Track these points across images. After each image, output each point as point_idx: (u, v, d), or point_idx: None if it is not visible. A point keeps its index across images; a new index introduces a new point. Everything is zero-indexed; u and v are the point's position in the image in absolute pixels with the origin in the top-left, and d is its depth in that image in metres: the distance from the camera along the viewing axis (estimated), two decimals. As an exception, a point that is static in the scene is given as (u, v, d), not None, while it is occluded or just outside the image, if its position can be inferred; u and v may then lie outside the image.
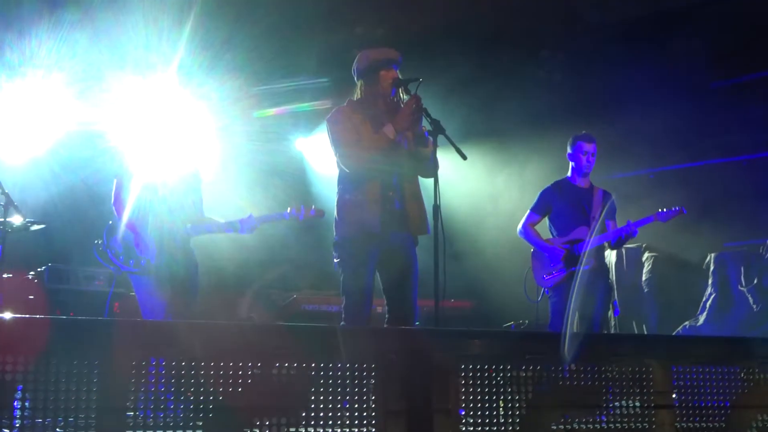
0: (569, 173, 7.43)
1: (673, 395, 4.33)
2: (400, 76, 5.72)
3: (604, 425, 4.20)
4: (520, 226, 7.48)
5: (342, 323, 5.64)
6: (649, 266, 10.05)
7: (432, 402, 3.84)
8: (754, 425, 4.44)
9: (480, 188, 10.68)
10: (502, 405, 4.02)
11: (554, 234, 7.43)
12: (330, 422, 3.68)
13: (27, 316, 3.59)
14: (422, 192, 5.86)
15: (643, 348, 4.52)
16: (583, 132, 7.39)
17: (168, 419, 3.49)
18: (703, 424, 4.35)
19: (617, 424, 4.22)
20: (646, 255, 10.15)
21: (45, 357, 3.34)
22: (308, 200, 10.13)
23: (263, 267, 10.07)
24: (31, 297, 7.68)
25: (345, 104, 5.85)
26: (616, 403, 4.28)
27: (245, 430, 3.58)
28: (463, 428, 3.90)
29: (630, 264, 10.19)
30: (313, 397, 3.68)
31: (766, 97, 9.69)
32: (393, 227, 5.65)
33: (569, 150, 7.38)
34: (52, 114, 8.82)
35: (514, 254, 8.71)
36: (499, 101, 10.28)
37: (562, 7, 9.64)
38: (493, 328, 8.79)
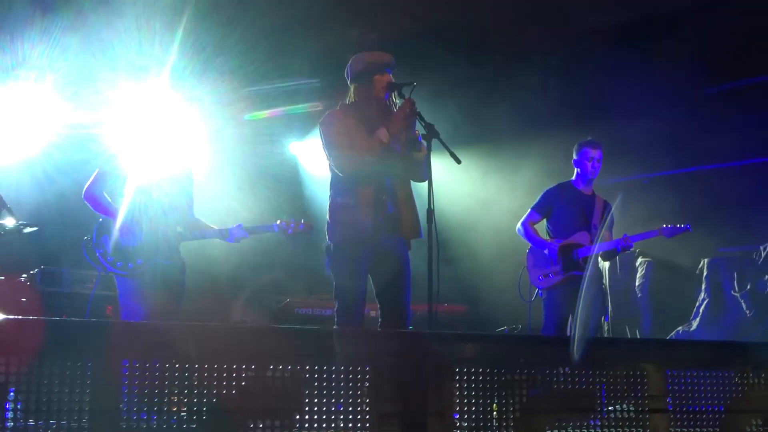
0: (574, 177, 7.43)
1: (668, 399, 4.33)
2: (393, 80, 5.71)
3: (598, 429, 4.20)
4: (519, 224, 7.46)
5: (335, 327, 5.63)
6: (643, 271, 10.05)
7: (426, 405, 3.84)
8: (749, 429, 4.44)
9: (473, 192, 10.67)
10: (496, 408, 4.02)
11: (551, 236, 7.41)
12: (324, 425, 3.68)
13: (19, 317, 3.57)
14: (415, 196, 5.85)
15: (638, 352, 4.53)
16: (589, 138, 7.40)
17: (161, 422, 3.48)
18: (698, 429, 4.36)
19: (611, 429, 4.22)
20: (639, 260, 10.16)
21: (37, 359, 3.33)
22: (301, 203, 10.16)
23: (256, 270, 10.05)
24: (24, 300, 7.65)
25: (338, 107, 5.84)
26: (611, 407, 4.29)
27: (239, 432, 3.58)
28: (457, 431, 3.90)
29: (623, 269, 10.19)
30: (307, 400, 3.68)
31: (759, 102, 9.70)
32: (386, 231, 5.64)
33: (575, 156, 7.38)
34: (45, 116, 8.79)
35: (507, 258, 8.72)
36: (492, 106, 10.29)
37: (554, 12, 9.63)
38: (488, 332, 8.78)
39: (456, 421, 3.91)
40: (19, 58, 8.49)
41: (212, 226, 6.44)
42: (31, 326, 3.49)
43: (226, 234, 6.33)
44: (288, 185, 10.93)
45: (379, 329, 5.69)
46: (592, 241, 7.23)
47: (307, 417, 3.67)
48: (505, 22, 9.82)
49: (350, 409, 3.74)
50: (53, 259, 8.64)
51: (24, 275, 8.03)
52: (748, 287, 9.13)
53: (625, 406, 4.30)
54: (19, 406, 3.29)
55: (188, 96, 9.31)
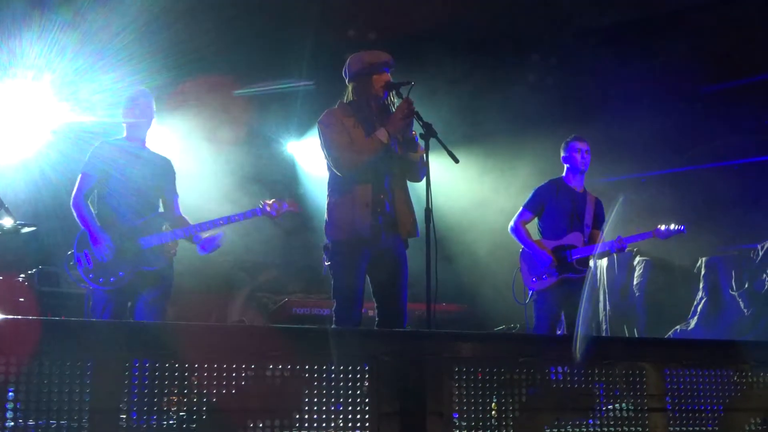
0: (564, 173, 7.43)
1: (666, 399, 4.34)
2: (392, 79, 5.71)
3: (597, 429, 4.20)
4: (512, 222, 7.44)
5: (333, 326, 5.62)
6: (640, 270, 10.06)
7: (425, 404, 3.84)
8: (747, 428, 4.45)
9: (471, 191, 10.68)
10: (495, 408, 4.02)
11: (542, 233, 7.40)
12: (323, 424, 3.68)
13: (18, 317, 3.57)
14: (413, 195, 5.85)
15: (636, 351, 4.53)
16: (574, 135, 7.41)
17: (161, 422, 3.48)
18: (696, 428, 4.35)
19: (610, 428, 4.22)
20: (637, 259, 10.17)
21: (37, 359, 3.33)
22: (300, 202, 10.15)
23: (254, 270, 10.06)
24: (22, 299, 7.64)
25: (336, 106, 5.83)
26: (609, 407, 4.29)
27: (238, 432, 3.58)
28: (457, 431, 3.90)
29: (621, 268, 10.20)
30: (306, 399, 3.68)
31: (757, 102, 9.72)
32: (383, 230, 5.64)
33: (563, 153, 7.38)
34: (42, 116, 8.79)
35: (505, 257, 8.72)
36: (489, 104, 10.30)
37: (552, 11, 9.65)
38: (487, 331, 8.78)
39: (455, 420, 3.91)
40: (17, 56, 8.49)
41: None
42: (31, 326, 3.49)
43: (199, 240, 6.26)
44: (285, 184, 10.94)
45: (376, 328, 5.68)
46: (585, 242, 7.22)
47: (306, 417, 3.66)
48: (501, 22, 9.84)
49: (349, 408, 3.73)
50: (51, 259, 8.64)
51: (22, 275, 8.02)
52: (746, 286, 9.14)
53: (623, 405, 4.30)
54: (18, 406, 3.29)
55: (184, 95, 9.32)
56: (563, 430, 4.13)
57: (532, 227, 7.48)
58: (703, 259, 9.63)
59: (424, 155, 5.40)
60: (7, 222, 6.73)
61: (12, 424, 3.28)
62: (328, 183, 5.80)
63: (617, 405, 4.29)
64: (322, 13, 9.45)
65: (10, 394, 3.30)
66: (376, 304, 5.73)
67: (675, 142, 10.06)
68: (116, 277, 5.92)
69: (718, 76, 10.12)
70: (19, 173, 8.58)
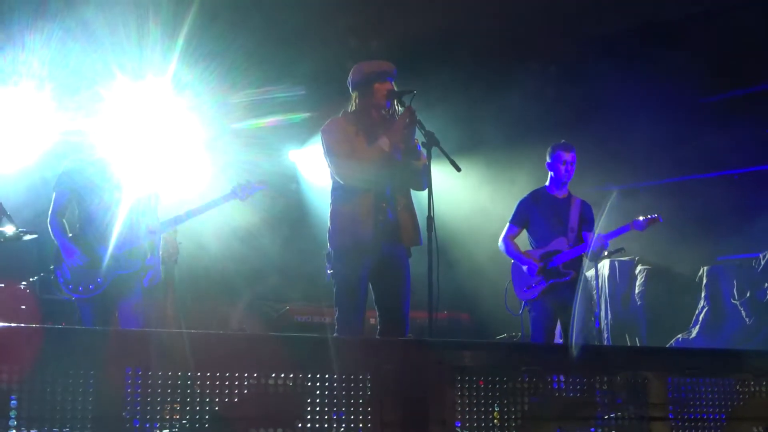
0: (547, 182, 7.45)
1: (669, 407, 4.33)
2: (395, 88, 5.72)
3: (599, 437, 4.20)
4: (500, 239, 7.51)
5: (335, 334, 5.63)
6: (642, 279, 10.05)
7: (428, 413, 3.84)
8: (749, 438, 4.45)
9: (472, 199, 10.68)
10: (497, 416, 4.01)
11: (533, 245, 7.44)
12: (326, 433, 3.68)
13: (21, 325, 3.57)
14: (415, 203, 5.86)
15: (639, 360, 4.53)
16: (562, 141, 7.41)
17: (163, 430, 3.48)
18: (699, 437, 4.35)
19: (613, 437, 4.22)
20: (639, 268, 10.16)
21: (39, 367, 3.32)
22: (302, 212, 10.14)
23: (255, 278, 10.05)
24: (23, 307, 7.64)
25: (340, 115, 5.85)
26: (612, 415, 4.28)
27: (241, 440, 3.58)
28: (459, 440, 3.90)
29: (623, 276, 10.19)
30: (308, 408, 3.67)
31: (756, 111, 9.72)
32: (385, 239, 5.64)
33: (548, 159, 7.41)
34: (44, 123, 8.79)
35: (506, 266, 8.71)
36: (489, 113, 10.29)
37: (552, 20, 9.65)
38: (489, 340, 8.78)
39: (458, 429, 3.91)
40: (19, 64, 8.49)
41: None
42: (33, 334, 3.49)
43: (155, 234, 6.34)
44: (287, 193, 10.94)
45: (377, 336, 5.69)
46: (570, 246, 7.24)
47: (308, 426, 3.66)
48: (501, 30, 9.84)
49: (352, 417, 3.73)
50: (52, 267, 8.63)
51: (23, 282, 8.02)
52: (748, 295, 9.13)
53: (626, 413, 4.30)
54: (21, 414, 3.28)
55: (188, 104, 9.33)
56: (565, 438, 4.13)
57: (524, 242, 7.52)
58: (705, 268, 9.62)
59: (427, 164, 5.41)
60: (9, 229, 6.74)
61: (14, 432, 3.28)
62: (331, 191, 5.81)
63: (619, 414, 4.29)
64: (323, 22, 9.46)
65: (13, 402, 3.30)
66: (378, 312, 5.74)
67: (675, 152, 10.05)
68: (95, 284, 6.05)
69: (718, 85, 10.12)
70: (21, 180, 8.57)
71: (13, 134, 8.65)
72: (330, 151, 5.72)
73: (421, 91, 5.67)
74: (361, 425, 3.74)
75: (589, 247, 7.16)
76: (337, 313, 5.67)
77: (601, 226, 7.43)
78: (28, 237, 7.13)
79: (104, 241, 6.12)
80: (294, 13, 9.23)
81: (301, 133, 10.94)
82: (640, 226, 7.33)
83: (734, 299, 9.23)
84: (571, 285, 7.15)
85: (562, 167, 7.30)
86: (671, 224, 7.73)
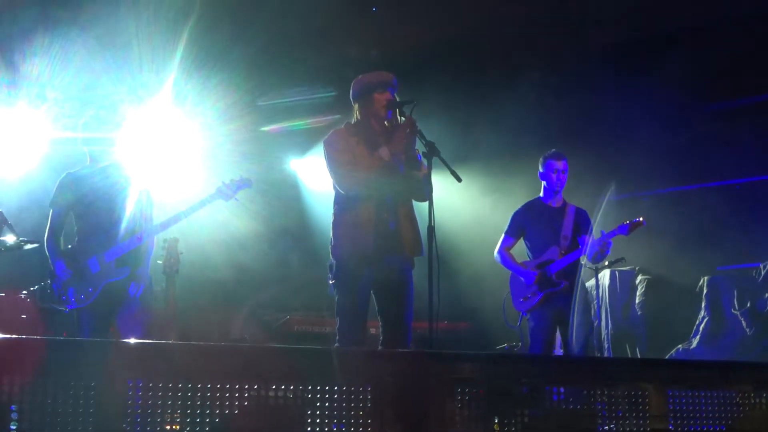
0: (542, 193, 7.48)
1: (669, 419, 4.33)
2: (398, 98, 5.74)
3: (600, 449, 4.20)
4: (496, 250, 7.54)
5: (336, 344, 5.64)
6: (643, 289, 10.05)
7: (428, 425, 3.84)
8: (750, 450, 4.44)
9: (473, 209, 10.68)
10: (497, 428, 4.01)
11: (529, 255, 7.46)
12: (326, 445, 3.68)
13: (22, 336, 3.57)
14: (417, 213, 5.86)
15: (639, 371, 4.53)
16: (553, 150, 7.44)
17: (164, 441, 3.48)
18: (699, 449, 4.35)
19: (613, 449, 4.22)
20: (639, 278, 10.16)
21: (40, 378, 3.32)
22: (303, 221, 10.14)
23: (256, 287, 10.05)
24: (24, 316, 7.64)
25: (342, 126, 5.88)
26: (612, 427, 4.28)
27: (241, 452, 3.57)
28: (459, 451, 3.90)
29: (623, 286, 10.19)
30: (309, 420, 3.67)
31: (758, 121, 9.73)
32: (387, 249, 5.65)
33: (540, 169, 7.45)
34: (45, 133, 8.80)
35: (507, 276, 8.72)
36: (489, 123, 10.30)
37: (553, 30, 9.67)
38: (489, 352, 8.77)
39: (458, 440, 3.91)
40: (21, 73, 8.51)
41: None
42: (35, 345, 3.48)
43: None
44: (288, 202, 10.94)
45: (380, 347, 5.69)
46: (562, 254, 7.25)
47: (309, 437, 3.66)
48: (501, 40, 9.86)
49: (352, 429, 3.73)
50: (47, 277, 8.64)
51: (24, 292, 8.02)
52: (748, 305, 9.13)
53: (626, 425, 4.30)
54: (21, 426, 3.28)
55: (187, 112, 9.34)
56: (566, 451, 4.13)
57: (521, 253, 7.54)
58: (705, 278, 9.62)
59: (428, 174, 5.42)
60: (10, 239, 6.74)
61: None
62: (334, 202, 5.84)
63: (619, 426, 4.29)
64: (322, 31, 9.49)
65: (14, 414, 3.30)
66: (380, 322, 5.74)
67: (676, 161, 10.06)
68: (86, 293, 6.11)
69: (719, 95, 10.14)
70: (22, 190, 8.58)
71: (14, 143, 8.65)
72: (331, 161, 5.74)
73: (419, 101, 5.68)
74: (361, 437, 3.74)
75: (585, 251, 7.17)
76: (338, 323, 5.68)
77: (597, 222, 7.46)
78: (29, 246, 7.14)
79: (96, 251, 6.16)
80: (293, 22, 9.26)
81: (302, 142, 10.95)
82: (626, 230, 7.35)
83: (735, 309, 9.22)
84: (566, 294, 7.15)
85: (554, 176, 7.33)
86: (672, 234, 7.74)
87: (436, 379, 3.91)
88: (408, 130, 5.55)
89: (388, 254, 5.64)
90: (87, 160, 6.52)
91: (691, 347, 9.39)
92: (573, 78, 10.38)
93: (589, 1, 9.11)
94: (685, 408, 4.40)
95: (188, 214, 6.37)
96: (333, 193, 5.86)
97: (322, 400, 3.71)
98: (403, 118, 5.64)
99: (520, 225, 7.47)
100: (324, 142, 5.80)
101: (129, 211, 6.38)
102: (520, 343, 9.23)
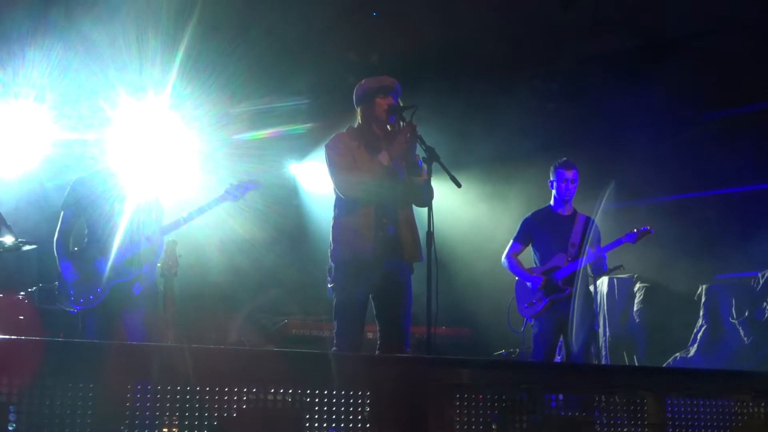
0: (552, 201, 7.49)
1: (668, 428, 4.32)
2: (401, 104, 5.75)
3: (598, 457, 4.19)
4: (503, 256, 7.55)
5: (334, 348, 5.64)
6: (641, 297, 10.04)
7: (426, 430, 3.83)
8: (748, 459, 4.44)
9: (472, 215, 10.68)
10: (496, 434, 4.01)
11: (537, 262, 7.47)
12: (324, 450, 3.67)
13: (21, 337, 3.56)
14: (416, 219, 5.87)
15: (638, 379, 4.52)
16: (564, 159, 7.44)
17: (162, 444, 3.48)
18: (697, 458, 4.35)
19: (611, 456, 4.22)
20: (637, 285, 10.15)
21: (38, 380, 3.31)
22: (302, 225, 10.13)
23: (254, 291, 10.04)
24: (21, 317, 7.63)
25: (345, 131, 5.89)
26: (610, 435, 4.28)
27: (239, 456, 3.57)
28: (458, 457, 3.89)
29: (621, 294, 10.18)
30: (308, 424, 3.67)
31: (757, 129, 9.74)
32: (386, 254, 5.65)
33: (551, 177, 7.46)
34: (44, 134, 8.80)
35: (505, 281, 8.72)
36: (491, 129, 10.30)
37: (552, 37, 9.67)
38: (489, 357, 8.77)
39: (456, 446, 3.90)
40: (20, 75, 8.51)
41: None
42: (33, 347, 3.48)
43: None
44: (287, 206, 10.94)
45: (377, 352, 5.69)
46: (569, 261, 7.26)
47: (307, 441, 3.66)
48: (498, 48, 9.86)
49: (351, 434, 3.73)
50: (51, 277, 8.62)
51: (22, 293, 8.01)
52: (746, 314, 9.12)
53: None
54: (19, 428, 3.27)
55: (186, 117, 9.33)
56: (564, 458, 4.13)
57: (528, 259, 7.54)
58: (704, 286, 9.61)
59: (428, 179, 5.43)
60: (8, 240, 6.73)
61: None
62: (334, 205, 5.84)
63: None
64: (322, 35, 9.49)
65: (11, 414, 3.29)
66: (378, 327, 5.74)
67: (674, 169, 10.06)
68: (94, 294, 6.17)
69: (718, 103, 10.14)
70: (21, 191, 8.58)
71: (12, 144, 8.65)
72: (332, 165, 5.76)
73: (421, 107, 5.69)
74: (359, 441, 3.74)
75: (587, 261, 7.18)
76: (336, 326, 5.68)
77: (598, 216, 7.47)
78: (27, 247, 7.13)
79: (105, 252, 6.19)
80: (293, 26, 9.26)
81: (302, 146, 10.95)
82: (633, 239, 7.36)
83: (733, 318, 9.22)
84: (571, 301, 7.16)
85: (563, 185, 7.34)
86: (670, 242, 7.74)
87: (435, 384, 3.91)
88: (408, 135, 5.55)
89: (387, 259, 5.64)
90: (93, 162, 6.56)
91: (689, 355, 9.38)
92: (570, 85, 10.39)
93: (587, 9, 9.10)
94: (683, 416, 4.39)
95: (198, 215, 6.45)
96: (332, 197, 5.87)
97: (321, 404, 3.70)
98: (404, 124, 5.64)
99: (529, 231, 7.49)
100: (325, 146, 5.81)
101: (136, 212, 6.41)
102: (518, 350, 9.23)
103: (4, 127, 8.59)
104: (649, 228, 7.37)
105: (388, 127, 5.78)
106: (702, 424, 4.39)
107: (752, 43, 9.13)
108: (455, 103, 10.02)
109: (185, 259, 6.37)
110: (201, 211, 6.47)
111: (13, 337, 3.60)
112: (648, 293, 10.02)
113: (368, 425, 3.75)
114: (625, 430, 4.29)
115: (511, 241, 7.57)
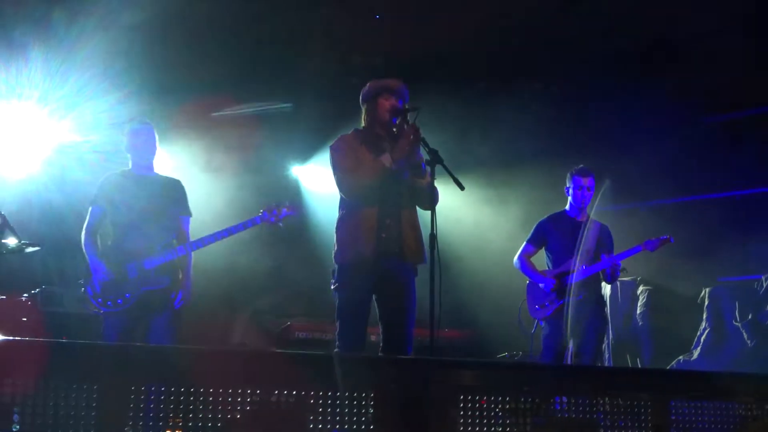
0: (567, 206, 7.47)
1: (671, 430, 4.32)
2: (407, 106, 5.75)
3: (601, 459, 4.19)
4: (516, 257, 7.54)
5: (336, 349, 5.64)
6: (644, 299, 10.04)
7: (430, 432, 3.83)
8: (752, 462, 4.44)
9: (475, 217, 10.68)
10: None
11: (549, 265, 7.47)
12: (328, 451, 3.67)
13: (25, 338, 3.57)
14: (420, 221, 5.87)
15: (641, 382, 4.52)
16: (581, 166, 7.44)
17: (166, 446, 3.48)
18: (701, 460, 4.34)
19: (615, 458, 4.21)
20: (640, 288, 10.15)
21: (42, 381, 3.32)
22: (304, 227, 10.12)
23: (257, 293, 10.04)
24: (24, 319, 7.63)
25: (350, 132, 5.90)
26: (614, 437, 4.28)
27: (243, 458, 3.57)
28: (461, 459, 3.89)
29: (624, 297, 10.18)
30: (311, 426, 3.67)
31: (759, 133, 9.74)
32: (389, 255, 5.65)
33: (567, 184, 7.44)
34: (47, 136, 8.82)
35: (508, 284, 8.72)
36: (492, 131, 10.30)
37: (554, 40, 9.67)
38: (492, 359, 8.77)
39: (460, 448, 3.90)
40: (23, 78, 8.52)
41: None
42: (37, 348, 3.48)
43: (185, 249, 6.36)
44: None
45: (380, 353, 5.69)
46: (582, 266, 7.26)
47: (311, 443, 3.66)
48: (499, 50, 9.86)
49: (354, 435, 3.73)
50: (55, 280, 8.65)
51: (25, 295, 8.02)
52: (750, 317, 9.12)
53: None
54: (23, 429, 3.28)
55: (187, 117, 9.34)
56: (567, 460, 4.12)
57: (541, 262, 7.54)
58: (707, 289, 9.61)
59: (432, 182, 5.43)
60: (12, 241, 6.73)
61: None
62: (339, 206, 5.85)
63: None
64: (324, 36, 9.50)
65: (15, 416, 3.29)
66: (381, 329, 5.74)
67: (677, 172, 10.07)
68: (123, 299, 6.08)
69: (721, 106, 10.15)
70: (24, 193, 8.59)
71: (16, 146, 8.66)
72: (335, 166, 5.78)
73: (425, 109, 5.70)
74: (363, 443, 3.74)
75: (601, 267, 7.17)
76: (338, 327, 5.68)
77: (596, 210, 7.47)
78: (30, 249, 7.13)
79: (135, 257, 6.14)
80: (295, 28, 9.28)
81: (305, 149, 10.96)
82: (652, 247, 7.36)
83: (736, 321, 9.21)
84: (584, 305, 7.15)
85: (579, 192, 7.34)
86: (673, 245, 7.72)
87: (439, 386, 3.91)
88: (411, 137, 5.55)
89: (390, 260, 5.64)
90: (129, 164, 6.49)
91: (692, 358, 9.37)
92: (572, 88, 10.40)
93: (589, 12, 9.10)
94: (687, 419, 4.39)
95: (230, 234, 6.41)
96: (336, 199, 5.87)
97: (324, 405, 3.71)
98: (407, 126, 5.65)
99: (543, 234, 7.48)
100: (330, 147, 5.83)
101: (169, 222, 6.39)
102: (520, 353, 9.22)
103: (7, 128, 8.61)
104: (668, 237, 7.36)
105: (394, 129, 5.78)
106: (705, 426, 4.39)
107: (755, 45, 9.12)
108: (456, 105, 10.02)
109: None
110: (236, 230, 6.41)
111: (16, 338, 3.61)
112: (651, 296, 10.01)
113: (372, 427, 3.75)
114: (628, 432, 4.29)
115: (524, 242, 7.55)
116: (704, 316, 9.51)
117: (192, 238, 6.45)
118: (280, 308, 10.06)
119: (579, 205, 7.37)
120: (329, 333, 8.52)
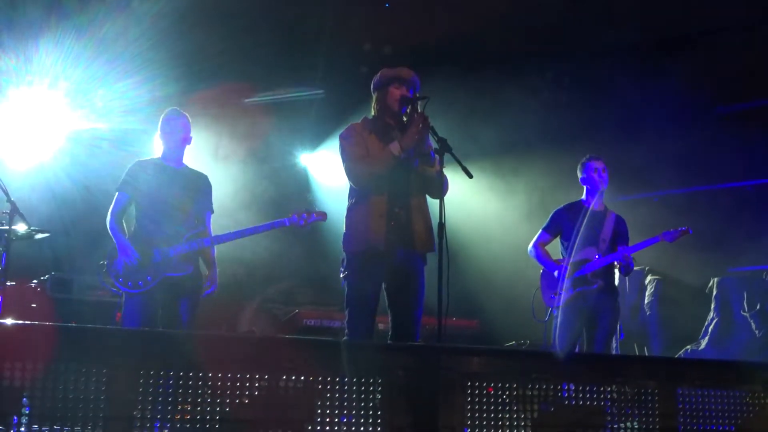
0: (583, 196, 7.44)
1: (678, 418, 4.33)
2: (417, 95, 5.75)
3: (608, 446, 4.20)
4: (530, 245, 7.50)
5: (345, 337, 5.65)
6: (652, 289, 10.03)
7: (438, 419, 3.84)
8: (759, 450, 4.44)
9: (483, 206, 10.68)
10: (507, 423, 4.02)
11: (564, 254, 7.44)
12: (336, 437, 3.69)
13: (34, 322, 3.59)
14: (429, 209, 5.87)
15: (649, 370, 4.53)
16: (588, 155, 7.42)
17: (174, 430, 3.49)
18: (708, 448, 4.35)
19: (621, 446, 4.22)
20: (648, 278, 10.14)
21: (51, 365, 3.34)
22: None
23: (266, 281, 10.07)
24: (34, 305, 7.67)
25: (360, 121, 5.89)
26: (621, 425, 4.28)
27: (250, 442, 3.58)
28: (469, 446, 3.90)
29: (632, 286, 10.18)
30: (319, 411, 3.68)
31: (769, 123, 9.73)
32: (398, 243, 5.65)
33: (580, 174, 7.39)
34: (57, 123, 8.84)
35: (516, 273, 8.72)
36: (501, 120, 10.29)
37: (565, 29, 9.66)
38: (500, 347, 8.78)
39: (467, 434, 3.91)
40: (33, 63, 8.54)
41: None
42: (46, 332, 3.50)
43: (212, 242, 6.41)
44: (298, 196, 10.96)
45: (389, 341, 5.70)
46: (598, 256, 7.24)
47: (318, 429, 3.67)
48: (510, 39, 9.85)
49: (362, 421, 3.74)
50: (64, 265, 8.68)
51: (35, 281, 8.06)
52: (758, 307, 9.11)
53: (635, 423, 4.30)
54: (32, 412, 3.30)
55: (197, 105, 9.35)
56: (574, 447, 4.13)
57: (555, 250, 7.53)
58: (715, 279, 9.60)
59: (441, 170, 5.42)
60: (22, 228, 6.77)
61: (25, 430, 3.29)
62: (348, 194, 5.84)
63: (628, 423, 4.29)
64: (335, 25, 9.50)
65: (25, 399, 3.31)
66: (389, 317, 5.74)
67: (687, 162, 10.05)
68: (144, 281, 6.09)
69: (733, 96, 10.12)
70: (34, 179, 8.62)
71: (27, 133, 8.69)
72: (344, 154, 5.77)
73: (436, 98, 5.69)
74: (371, 429, 3.75)
75: (616, 257, 7.15)
76: (347, 315, 5.68)
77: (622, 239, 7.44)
78: (40, 236, 7.17)
79: (161, 243, 6.15)
80: (306, 17, 9.29)
81: (313, 137, 10.96)
82: (671, 238, 7.33)
83: (744, 311, 9.20)
84: (599, 294, 7.14)
85: (595, 175, 7.30)
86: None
87: (447, 372, 3.92)
88: (420, 126, 5.54)
89: (399, 248, 5.64)
90: (159, 152, 6.49)
91: (700, 348, 9.37)
92: (584, 78, 10.37)
93: (601, 2, 9.09)
94: (694, 407, 4.40)
95: (255, 232, 6.47)
96: (345, 187, 5.87)
97: (332, 391, 3.72)
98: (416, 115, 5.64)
99: (559, 223, 7.45)
100: (339, 136, 5.83)
101: (196, 213, 6.41)
102: (528, 341, 9.23)
103: (17, 116, 8.63)
104: (687, 228, 7.34)
105: (404, 118, 5.78)
106: (712, 414, 4.40)
107: (765, 37, 9.10)
108: (465, 94, 10.02)
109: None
110: (263, 228, 6.47)
111: (26, 322, 3.62)
112: (659, 286, 10.01)
113: (379, 413, 3.77)
114: (635, 419, 4.30)
115: (540, 230, 7.51)
116: (712, 306, 9.51)
117: None
118: (288, 296, 10.08)
119: (599, 188, 7.32)
120: (338, 321, 8.54)
